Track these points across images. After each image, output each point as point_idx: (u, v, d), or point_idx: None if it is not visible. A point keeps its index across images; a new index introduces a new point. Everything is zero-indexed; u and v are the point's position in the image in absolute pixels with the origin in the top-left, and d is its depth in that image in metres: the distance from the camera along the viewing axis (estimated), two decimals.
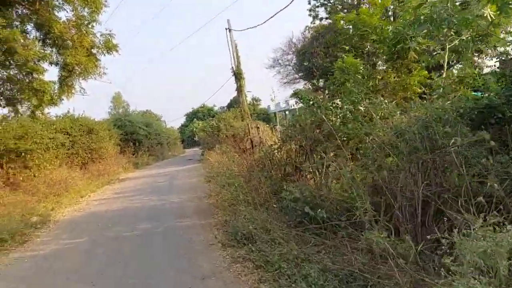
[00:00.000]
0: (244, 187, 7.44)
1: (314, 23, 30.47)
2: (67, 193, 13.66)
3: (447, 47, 6.91)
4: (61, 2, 11.09)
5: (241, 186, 7.45)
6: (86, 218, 9.44)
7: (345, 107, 7.38)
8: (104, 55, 12.21)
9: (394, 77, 7.69)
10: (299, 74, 40.35)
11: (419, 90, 8.10)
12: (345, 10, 27.94)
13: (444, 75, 7.03)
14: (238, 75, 21.24)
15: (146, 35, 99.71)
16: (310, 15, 30.00)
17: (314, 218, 5.63)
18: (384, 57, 8.15)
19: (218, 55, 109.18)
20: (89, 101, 70.46)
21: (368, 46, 8.42)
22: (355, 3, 26.64)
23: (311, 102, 8.24)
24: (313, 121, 7.61)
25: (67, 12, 11.49)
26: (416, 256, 3.88)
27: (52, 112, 20.38)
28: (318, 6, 29.68)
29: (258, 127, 11.06)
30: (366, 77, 7.59)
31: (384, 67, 8.45)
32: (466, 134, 4.76)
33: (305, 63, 31.29)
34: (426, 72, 8.20)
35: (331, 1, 28.80)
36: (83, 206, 11.30)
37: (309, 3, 29.52)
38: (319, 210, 5.50)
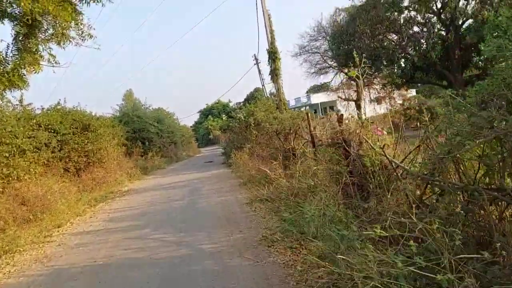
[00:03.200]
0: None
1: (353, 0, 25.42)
2: (43, 216, 9.33)
3: None
4: None
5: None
6: None
7: None
8: (88, 3, 7.68)
9: None
10: (331, 62, 35.47)
11: None
12: None
13: None
14: (272, 55, 16.59)
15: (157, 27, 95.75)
16: None
17: None
18: None
19: (237, 45, 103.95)
20: (99, 98, 66.70)
21: None
22: None
23: None
24: None
25: None
26: None
27: (37, 103, 16.13)
28: None
29: (340, 116, 6.43)
30: None
31: None
32: None
33: (342, 47, 26.47)
34: None
35: None
36: (50, 251, 6.77)
37: None
38: None
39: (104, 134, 16.55)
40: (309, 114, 9.05)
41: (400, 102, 31.41)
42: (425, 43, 22.19)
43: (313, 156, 8.88)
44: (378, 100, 36.72)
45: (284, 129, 11.31)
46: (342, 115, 6.68)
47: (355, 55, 6.56)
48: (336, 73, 36.07)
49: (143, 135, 23.88)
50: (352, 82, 36.90)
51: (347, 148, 6.18)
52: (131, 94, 57.35)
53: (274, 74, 16.66)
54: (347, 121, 6.77)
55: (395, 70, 23.29)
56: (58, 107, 15.79)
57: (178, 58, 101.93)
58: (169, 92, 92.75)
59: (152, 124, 25.17)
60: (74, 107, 16.55)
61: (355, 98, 36.63)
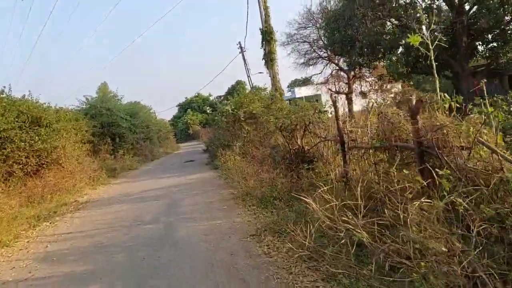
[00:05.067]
0: None
1: None
2: None
3: None
4: None
5: None
6: None
7: None
8: None
9: None
10: (321, 52, 33.05)
11: None
12: None
13: None
14: (267, 35, 13.89)
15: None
16: None
17: None
18: None
19: (219, 36, 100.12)
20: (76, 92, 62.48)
21: None
22: None
23: None
24: None
25: None
26: None
27: None
28: None
29: (418, 103, 3.76)
30: None
31: None
32: None
33: (337, 33, 23.85)
34: None
35: None
36: None
37: None
38: None
39: (61, 129, 13.53)
40: (336, 103, 6.44)
41: (391, 95, 29.23)
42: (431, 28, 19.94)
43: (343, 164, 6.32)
44: (363, 94, 34.38)
45: (291, 123, 8.66)
46: (420, 101, 4.07)
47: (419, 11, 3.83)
48: (327, 64, 33.59)
49: (113, 130, 20.77)
50: (342, 74, 34.58)
51: (441, 157, 3.58)
52: (106, 86, 53.38)
53: (269, 58, 13.95)
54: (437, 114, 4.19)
55: (398, 58, 20.84)
56: (2, 95, 12.67)
57: (155, 49, 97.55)
58: (146, 85, 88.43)
59: (124, 118, 22.07)
60: (23, 97, 13.47)
61: (346, 91, 34.33)
